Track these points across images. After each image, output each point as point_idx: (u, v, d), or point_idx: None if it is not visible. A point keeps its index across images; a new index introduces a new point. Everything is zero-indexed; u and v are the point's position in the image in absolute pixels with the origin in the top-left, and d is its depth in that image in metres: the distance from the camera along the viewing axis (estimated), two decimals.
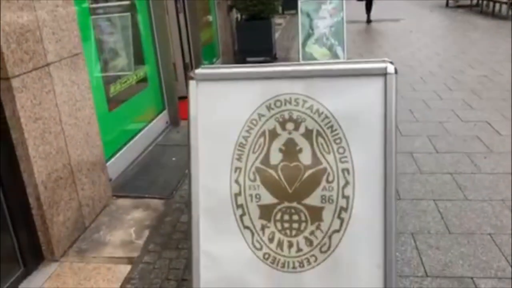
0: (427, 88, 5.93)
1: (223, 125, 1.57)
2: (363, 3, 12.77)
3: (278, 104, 1.54)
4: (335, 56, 7.07)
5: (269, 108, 1.55)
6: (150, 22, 4.64)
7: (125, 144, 3.92)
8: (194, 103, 1.57)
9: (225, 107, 1.57)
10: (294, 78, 1.53)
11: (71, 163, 2.86)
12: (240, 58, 8.10)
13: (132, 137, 4.08)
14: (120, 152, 3.80)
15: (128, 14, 4.22)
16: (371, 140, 1.48)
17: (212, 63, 7.48)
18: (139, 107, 4.36)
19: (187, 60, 6.09)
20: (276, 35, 11.60)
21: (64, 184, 2.78)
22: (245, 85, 1.55)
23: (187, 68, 6.07)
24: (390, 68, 1.46)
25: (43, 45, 2.62)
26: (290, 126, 1.54)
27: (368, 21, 12.72)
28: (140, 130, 4.25)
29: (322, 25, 7.09)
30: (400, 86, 5.63)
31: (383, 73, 1.46)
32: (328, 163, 1.52)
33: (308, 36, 7.13)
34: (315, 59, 7.11)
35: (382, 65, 1.47)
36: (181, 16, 5.88)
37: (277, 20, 14.76)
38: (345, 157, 1.51)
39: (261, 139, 1.56)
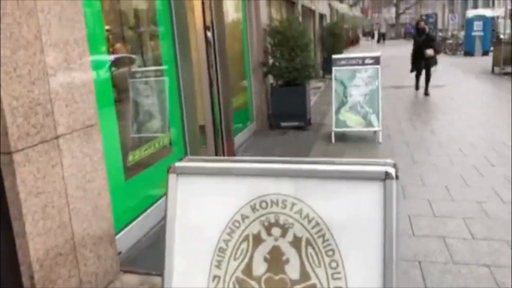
0: (466, 162, 5.59)
1: (203, 225, 1.41)
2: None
3: (263, 205, 1.37)
4: (370, 124, 6.89)
5: (253, 209, 1.38)
6: (178, 88, 4.66)
7: (140, 214, 3.82)
8: (173, 199, 1.43)
9: (206, 205, 1.42)
10: (283, 177, 1.36)
11: (74, 238, 2.75)
12: (274, 122, 8.06)
13: (149, 207, 3.98)
14: (134, 222, 3.69)
15: (153, 79, 4.27)
16: (368, 254, 1.27)
17: (246, 127, 7.46)
18: (160, 175, 4.24)
19: (218, 124, 6.08)
20: (314, 98, 11.60)
21: (64, 261, 2.66)
22: (229, 182, 1.40)
23: (217, 132, 6.05)
24: (390, 172, 1.27)
25: (54, 118, 2.60)
26: (276, 231, 1.36)
27: (426, 93, 11.18)
28: (158, 199, 4.14)
29: (357, 93, 6.98)
30: (437, 159, 5.29)
31: (382, 178, 1.28)
32: (318, 278, 1.31)
33: (342, 103, 7.02)
34: (349, 127, 6.96)
35: (381, 168, 1.29)
36: (214, 82, 5.93)
37: (317, 83, 14.86)
38: (338, 273, 1.30)
39: (244, 245, 1.38)
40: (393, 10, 64.58)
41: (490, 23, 23.87)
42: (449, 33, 33.19)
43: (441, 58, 22.98)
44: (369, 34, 63.27)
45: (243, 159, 1.44)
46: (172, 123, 4.58)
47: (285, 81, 7.90)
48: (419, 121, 8.29)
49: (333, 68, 7.10)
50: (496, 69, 15.26)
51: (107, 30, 3.51)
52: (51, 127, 2.57)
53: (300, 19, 12.68)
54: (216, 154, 6.08)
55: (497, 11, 41.59)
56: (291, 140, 7.35)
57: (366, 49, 38.74)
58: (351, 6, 45.41)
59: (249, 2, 7.37)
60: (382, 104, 10.09)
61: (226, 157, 1.49)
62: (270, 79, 8.18)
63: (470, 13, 26.50)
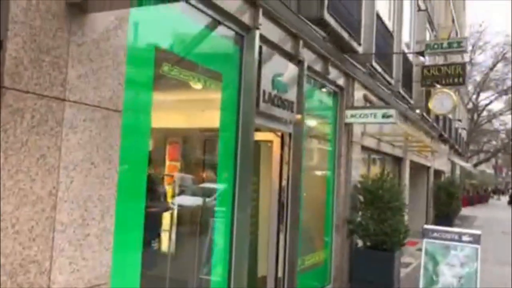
0: None
1: None
2: None
3: None
4: None
5: None
6: (230, 237, 4.35)
7: None
8: None
9: None
10: None
11: None
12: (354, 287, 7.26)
13: None
14: None
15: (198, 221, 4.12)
16: None
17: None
18: None
19: (280, 274, 5.60)
20: (414, 263, 10.44)
21: None
22: None
23: (279, 283, 5.55)
24: None
25: (50, 276, 2.48)
26: None
27: None
28: None
29: (450, 273, 6.04)
30: None
31: None
32: None
33: (431, 282, 6.10)
34: None
35: None
36: (282, 232, 5.61)
37: (422, 245, 13.55)
38: None
39: None
40: None
41: None
42: None
43: None
44: (502, 193, 58.75)
45: None
46: (215, 276, 4.26)
47: (373, 243, 7.24)
48: None
49: (424, 240, 6.32)
50: None
51: (151, 172, 3.51)
52: (43, 286, 2.45)
53: (407, 175, 12.12)
54: None
55: None
56: None
57: (493, 209, 35.44)
58: (475, 165, 43.06)
59: (339, 157, 7.19)
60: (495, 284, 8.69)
61: None
62: (357, 239, 7.57)
63: None
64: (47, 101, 2.43)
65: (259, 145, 5.79)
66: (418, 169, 15.19)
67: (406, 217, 11.49)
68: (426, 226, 6.47)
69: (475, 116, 43.33)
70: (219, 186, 4.25)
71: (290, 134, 5.66)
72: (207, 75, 4.03)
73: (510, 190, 54.33)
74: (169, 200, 3.86)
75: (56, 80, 2.48)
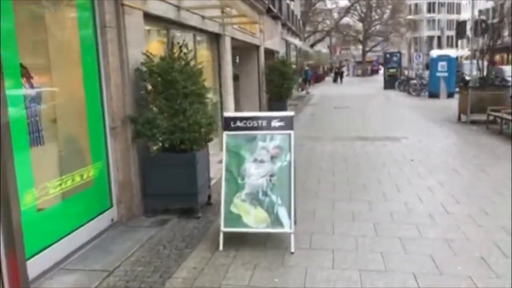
0: None
1: None
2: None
3: None
4: (277, 222, 4.39)
5: None
6: None
7: None
8: None
9: None
10: None
11: None
12: (151, 205, 5.48)
13: None
14: None
15: None
16: None
17: (95, 217, 4.85)
18: None
19: None
20: None
21: None
22: None
23: None
24: None
25: None
26: None
27: None
28: None
29: (258, 172, 4.50)
30: None
31: None
32: None
33: (235, 188, 4.52)
34: (244, 225, 4.43)
35: None
36: None
37: None
38: None
39: None
40: (360, 47, 64.04)
41: (454, 64, 22.35)
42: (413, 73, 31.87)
43: (405, 100, 21.15)
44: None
45: None
46: None
47: (170, 145, 5.40)
48: (365, 205, 5.82)
49: (224, 133, 4.62)
50: (463, 117, 13.26)
51: None
52: None
53: (229, 55, 10.34)
54: None
55: (461, 52, 40.91)
56: (163, 239, 4.77)
57: (329, 86, 37.06)
58: (311, 46, 43.93)
59: (103, 29, 4.89)
60: (326, 166, 7.72)
61: None
62: (149, 142, 5.61)
63: (434, 53, 24.91)
64: None
65: None
66: (246, 49, 13.61)
67: (219, 105, 9.97)
68: (225, 114, 4.72)
69: None
70: None
71: None
72: None
73: (344, 68, 57.52)
74: None
75: None
